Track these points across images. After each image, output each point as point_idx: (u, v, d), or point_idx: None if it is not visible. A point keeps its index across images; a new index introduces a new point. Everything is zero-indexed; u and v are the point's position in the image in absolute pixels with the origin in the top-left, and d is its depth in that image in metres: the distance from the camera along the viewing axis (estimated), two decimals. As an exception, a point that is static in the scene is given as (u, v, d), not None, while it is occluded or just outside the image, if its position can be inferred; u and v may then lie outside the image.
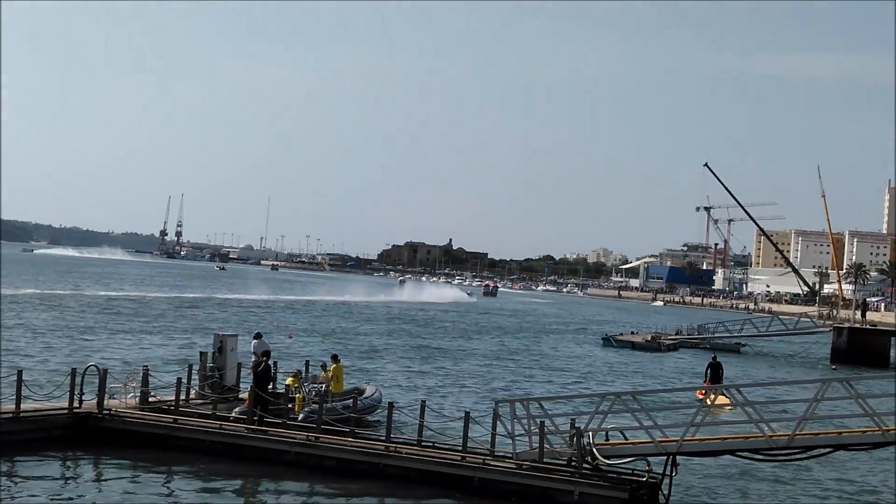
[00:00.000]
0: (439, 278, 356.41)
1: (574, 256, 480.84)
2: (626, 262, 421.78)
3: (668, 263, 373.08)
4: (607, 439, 26.38)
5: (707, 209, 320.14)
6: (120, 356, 51.33)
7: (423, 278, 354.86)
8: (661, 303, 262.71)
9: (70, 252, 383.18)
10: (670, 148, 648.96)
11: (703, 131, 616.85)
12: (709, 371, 51.18)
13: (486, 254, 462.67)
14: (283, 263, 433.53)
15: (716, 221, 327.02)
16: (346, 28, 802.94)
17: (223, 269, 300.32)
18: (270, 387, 32.26)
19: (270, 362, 33.07)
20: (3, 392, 30.52)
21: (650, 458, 25.74)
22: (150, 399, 31.36)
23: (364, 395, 35.02)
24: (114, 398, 30.81)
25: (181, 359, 50.12)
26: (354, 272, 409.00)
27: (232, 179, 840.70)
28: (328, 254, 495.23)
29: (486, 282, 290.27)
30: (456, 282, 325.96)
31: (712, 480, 29.83)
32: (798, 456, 25.65)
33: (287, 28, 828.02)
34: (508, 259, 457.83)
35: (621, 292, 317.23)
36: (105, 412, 29.62)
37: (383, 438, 27.79)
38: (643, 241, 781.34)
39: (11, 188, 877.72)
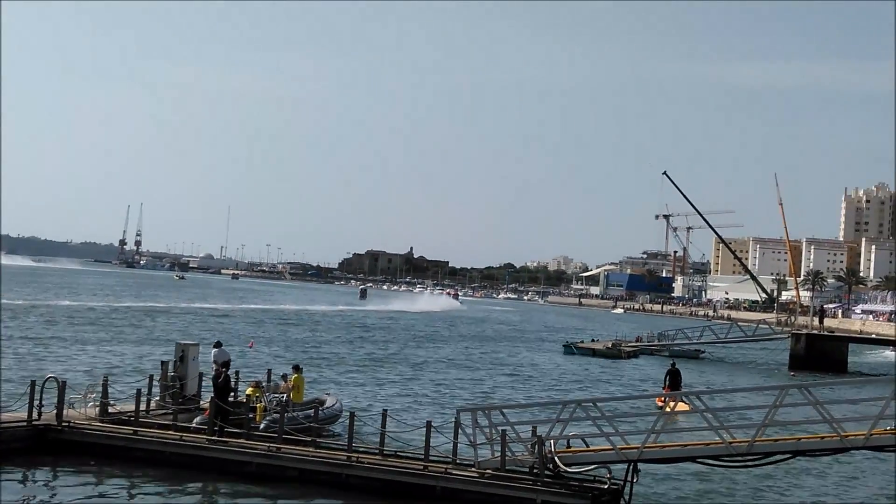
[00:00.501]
0: (400, 287, 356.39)
1: (535, 264, 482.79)
2: (587, 269, 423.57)
3: (628, 271, 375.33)
4: (569, 447, 26.50)
5: (666, 217, 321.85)
6: (79, 367, 50.96)
7: (385, 287, 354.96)
8: (622, 310, 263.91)
9: (27, 262, 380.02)
10: (629, 156, 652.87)
11: (662, 139, 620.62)
12: (668, 378, 51.53)
13: (447, 262, 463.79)
14: (243, 272, 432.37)
15: (675, 229, 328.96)
16: (306, 35, 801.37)
17: (183, 278, 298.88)
18: (231, 397, 32.20)
19: (231, 372, 32.99)
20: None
21: (612, 465, 25.86)
22: (110, 410, 31.13)
23: (325, 406, 34.93)
24: (73, 409, 30.57)
25: (139, 368, 49.85)
26: (315, 281, 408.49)
27: (192, 188, 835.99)
28: (289, 263, 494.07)
29: (447, 290, 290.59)
30: (417, 290, 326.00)
31: (673, 487, 30.00)
32: (758, 462, 25.84)
33: (247, 35, 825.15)
34: (469, 267, 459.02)
35: (582, 300, 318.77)
36: (64, 424, 29.38)
37: (345, 448, 27.75)
38: (603, 249, 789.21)
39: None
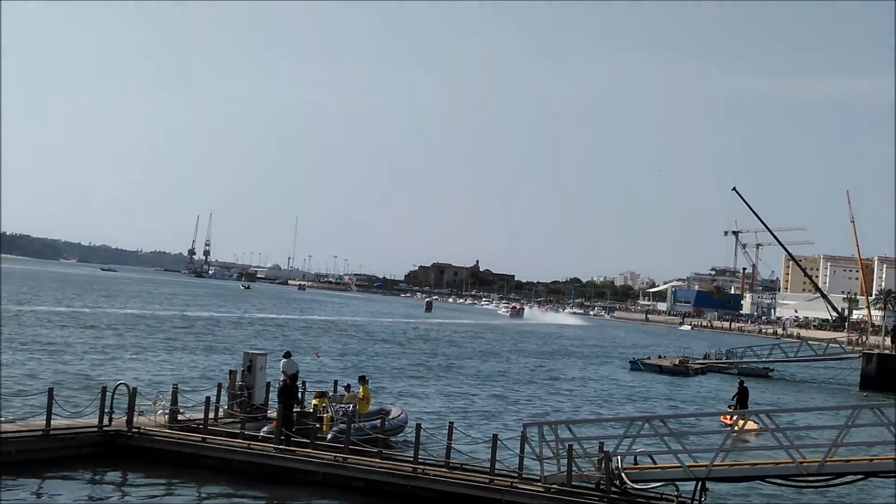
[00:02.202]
0: (466, 300, 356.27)
1: (601, 279, 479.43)
2: (654, 285, 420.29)
3: (696, 287, 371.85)
4: (636, 463, 26.29)
5: (735, 233, 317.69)
6: (149, 374, 51.55)
7: (451, 300, 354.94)
8: (689, 327, 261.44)
9: (96, 270, 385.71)
10: (699, 171, 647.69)
11: (732, 155, 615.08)
12: (736, 396, 51.01)
13: (513, 276, 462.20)
14: (310, 283, 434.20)
15: (744, 246, 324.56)
16: (373, 47, 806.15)
17: (248, 287, 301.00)
18: (298, 406, 32.37)
19: (298, 382, 33.18)
20: (34, 409, 30.79)
21: (679, 483, 25.62)
22: (179, 417, 31.48)
23: (390, 417, 34.98)
24: (143, 416, 30.96)
25: (206, 377, 50.30)
26: (381, 293, 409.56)
27: (260, 199, 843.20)
28: (355, 274, 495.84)
29: (513, 303, 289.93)
30: (483, 303, 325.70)
31: (741, 506, 29.66)
32: (829, 483, 25.47)
33: (314, 47, 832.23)
34: (535, 281, 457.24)
35: (648, 316, 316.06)
36: (134, 430, 29.75)
37: (411, 460, 27.78)
38: (671, 265, 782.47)
39: (41, 207, 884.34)
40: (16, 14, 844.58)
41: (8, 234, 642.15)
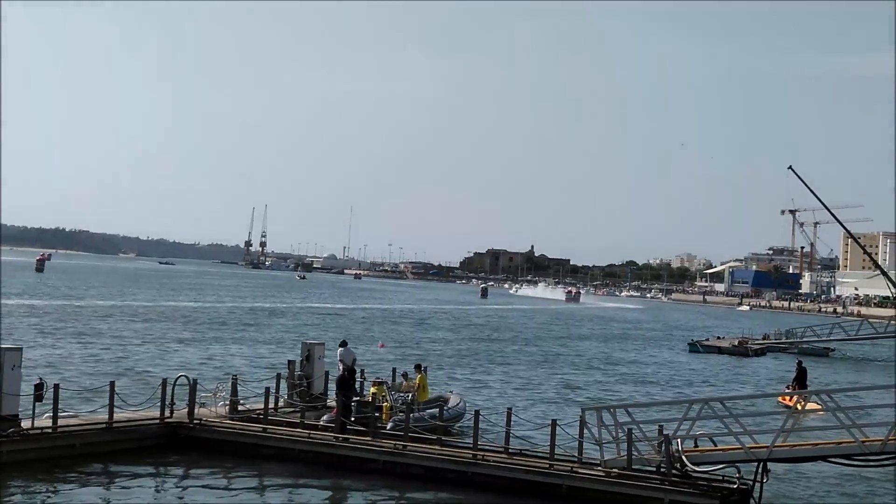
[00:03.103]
0: (521, 285, 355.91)
1: (657, 261, 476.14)
2: (711, 266, 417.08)
3: (754, 267, 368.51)
4: (696, 446, 26.16)
5: (792, 212, 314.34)
6: (209, 366, 52.02)
7: (506, 285, 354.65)
8: (747, 307, 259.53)
9: (154, 264, 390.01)
10: (754, 150, 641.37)
11: (788, 133, 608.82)
12: (795, 376, 50.62)
13: (569, 260, 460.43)
14: (366, 272, 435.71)
15: (801, 224, 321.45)
16: (419, 34, 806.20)
17: (304, 278, 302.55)
18: (356, 395, 32.52)
19: (357, 370, 33.35)
20: (97, 403, 31.21)
21: (740, 465, 25.46)
22: (240, 408, 31.77)
23: (449, 404, 35.03)
24: (204, 407, 31.26)
25: (264, 367, 50.65)
26: (437, 280, 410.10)
27: (315, 190, 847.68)
28: (411, 262, 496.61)
29: (569, 288, 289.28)
30: (538, 287, 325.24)
31: (803, 487, 29.43)
32: (892, 461, 25.18)
33: (363, 37, 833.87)
34: (591, 265, 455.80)
35: (706, 297, 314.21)
36: (196, 422, 30.07)
37: (470, 446, 27.83)
38: (727, 246, 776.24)
39: (98, 201, 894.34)
40: (79, 11, 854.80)
41: (67, 230, 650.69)
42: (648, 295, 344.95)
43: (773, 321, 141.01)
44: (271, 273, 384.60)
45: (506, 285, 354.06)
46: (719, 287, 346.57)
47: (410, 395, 33.39)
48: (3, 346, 27.33)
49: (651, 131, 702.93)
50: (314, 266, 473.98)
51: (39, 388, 27.20)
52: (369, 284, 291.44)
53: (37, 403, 27.05)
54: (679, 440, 25.47)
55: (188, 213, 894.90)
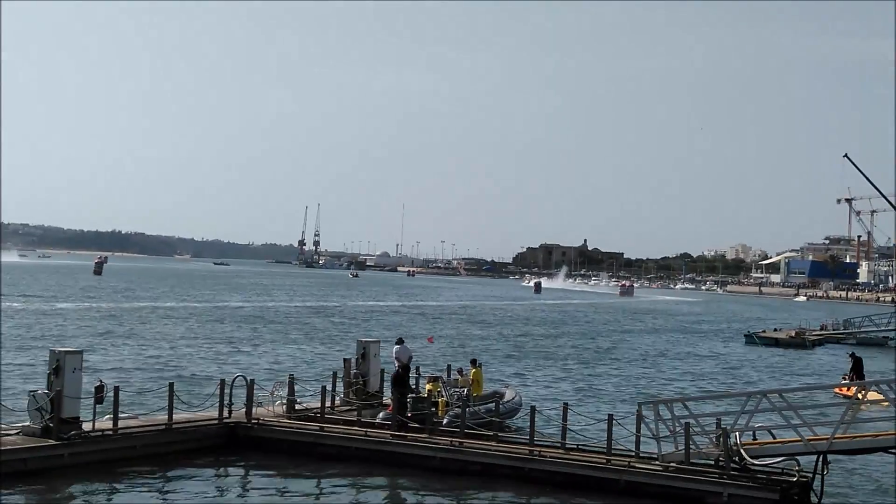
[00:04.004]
0: (575, 279, 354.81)
1: (712, 253, 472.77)
2: (766, 257, 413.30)
3: (810, 258, 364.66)
4: (755, 439, 25.96)
5: (848, 200, 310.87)
6: (265, 365, 52.36)
7: (559, 280, 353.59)
8: (804, 298, 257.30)
9: (209, 265, 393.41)
10: (808, 139, 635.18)
11: (843, 120, 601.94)
12: (851, 367, 50.14)
13: (622, 253, 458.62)
14: (419, 269, 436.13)
15: (858, 213, 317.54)
16: (469, 31, 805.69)
17: (357, 276, 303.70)
18: (412, 392, 32.58)
19: (412, 367, 33.43)
20: (155, 404, 31.53)
21: (800, 458, 25.25)
22: (297, 407, 31.94)
23: (505, 399, 35.00)
24: (261, 407, 31.46)
25: (322, 366, 50.89)
26: (490, 276, 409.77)
27: (367, 188, 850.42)
28: (463, 258, 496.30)
29: (623, 281, 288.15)
30: (592, 282, 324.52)
31: (865, 479, 29.11)
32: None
33: (411, 34, 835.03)
34: (645, 258, 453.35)
35: (762, 288, 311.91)
36: (254, 421, 30.27)
37: (527, 442, 27.81)
38: (783, 236, 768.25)
39: (155, 204, 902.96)
40: (132, 9, 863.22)
41: (123, 232, 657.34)
42: (703, 287, 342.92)
43: (831, 311, 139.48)
44: (325, 272, 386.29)
45: (526, 279, 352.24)
46: (775, 278, 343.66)
47: (466, 390, 33.40)
48: (63, 349, 27.60)
49: (704, 121, 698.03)
50: (367, 264, 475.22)
51: (99, 390, 27.46)
52: (422, 281, 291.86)
53: (97, 406, 27.32)
54: (737, 433, 25.30)
55: (242, 214, 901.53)
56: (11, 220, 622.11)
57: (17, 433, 26.28)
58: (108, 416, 27.66)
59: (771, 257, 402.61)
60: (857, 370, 49.39)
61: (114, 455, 27.05)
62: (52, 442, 25.80)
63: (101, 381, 28.65)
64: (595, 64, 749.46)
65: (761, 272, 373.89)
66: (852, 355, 51.64)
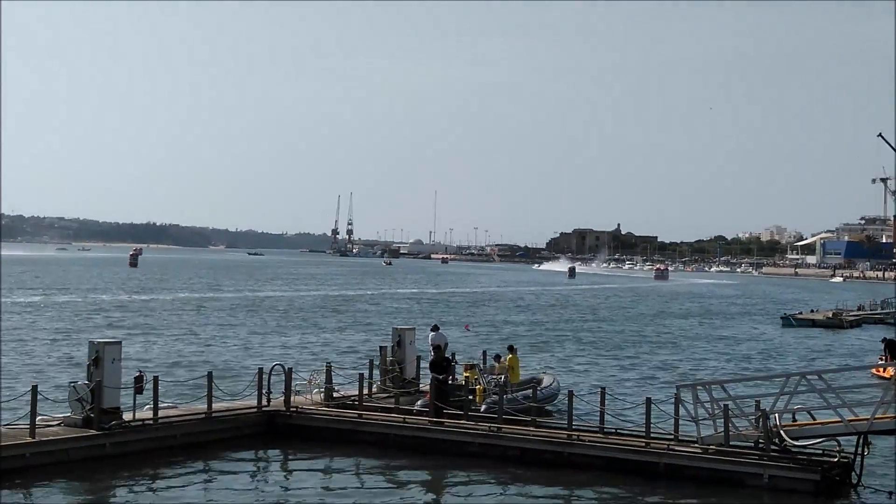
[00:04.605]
0: (609, 264, 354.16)
1: (746, 235, 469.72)
2: (802, 238, 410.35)
3: (846, 238, 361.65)
4: (794, 420, 25.82)
5: (883, 180, 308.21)
6: (301, 354, 52.56)
7: (593, 265, 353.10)
8: (841, 279, 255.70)
9: (246, 255, 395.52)
10: (842, 119, 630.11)
11: (877, 99, 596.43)
12: (886, 348, 49.68)
13: (656, 237, 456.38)
14: (452, 256, 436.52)
15: (893, 192, 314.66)
16: (499, 21, 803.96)
17: (390, 264, 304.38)
18: (450, 379, 32.59)
19: (448, 354, 33.42)
20: (194, 394, 31.75)
21: (840, 438, 25.12)
22: (335, 395, 32.05)
23: (542, 385, 34.98)
24: (299, 395, 31.57)
25: (358, 353, 51.03)
26: (524, 262, 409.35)
27: (399, 176, 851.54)
28: (497, 245, 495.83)
29: (658, 265, 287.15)
30: (626, 266, 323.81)
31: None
32: None
33: (440, 24, 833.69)
34: (679, 241, 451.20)
35: (798, 270, 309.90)
36: (292, 409, 30.39)
37: (565, 427, 27.78)
38: (818, 217, 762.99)
39: (189, 196, 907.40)
40: (163, 16, 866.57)
41: (158, 224, 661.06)
42: (738, 269, 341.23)
43: (868, 292, 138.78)
44: (359, 260, 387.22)
45: (593, 265, 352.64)
46: (811, 259, 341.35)
47: (503, 376, 33.39)
48: (102, 340, 27.79)
49: (735, 103, 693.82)
50: (401, 252, 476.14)
51: (139, 380, 27.67)
52: (456, 268, 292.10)
53: (137, 396, 27.52)
54: (776, 415, 25.18)
55: (276, 204, 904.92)
56: (47, 214, 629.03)
57: (58, 424, 26.54)
58: (147, 405, 27.87)
59: (806, 238, 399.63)
60: (892, 351, 48.89)
61: (154, 444, 27.25)
62: (93, 432, 26.02)
63: (140, 372, 28.89)
64: (627, 48, 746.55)
65: (797, 253, 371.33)
66: (883, 340, 51.15)
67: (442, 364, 31.30)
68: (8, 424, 26.47)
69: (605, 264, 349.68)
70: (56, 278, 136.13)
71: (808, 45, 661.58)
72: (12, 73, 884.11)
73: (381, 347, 36.11)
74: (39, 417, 25.77)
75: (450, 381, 31.88)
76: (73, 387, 26.76)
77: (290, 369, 31.30)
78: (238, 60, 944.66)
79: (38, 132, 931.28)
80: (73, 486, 23.94)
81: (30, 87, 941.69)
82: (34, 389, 25.51)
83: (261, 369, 31.20)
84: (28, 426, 25.18)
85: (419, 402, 31.51)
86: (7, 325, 62.81)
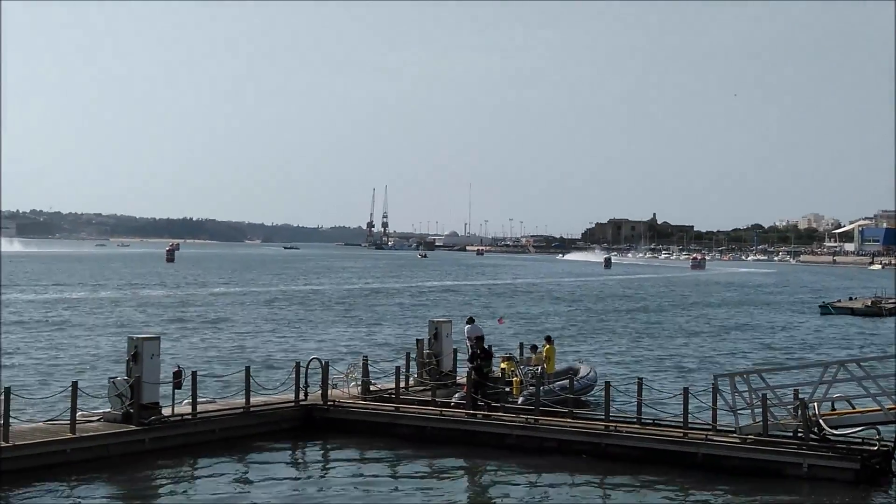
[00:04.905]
0: (644, 254, 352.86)
1: (784, 223, 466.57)
2: (839, 226, 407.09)
3: (884, 225, 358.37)
4: (833, 409, 25.67)
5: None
6: (337, 347, 52.70)
7: (629, 255, 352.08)
8: (880, 266, 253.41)
9: (282, 249, 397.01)
10: (880, 104, 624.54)
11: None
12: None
13: (692, 226, 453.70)
14: (488, 248, 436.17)
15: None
16: (533, 11, 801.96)
17: (425, 256, 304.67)
18: (487, 371, 32.56)
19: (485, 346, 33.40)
20: (231, 388, 31.88)
21: (880, 426, 24.94)
22: (372, 388, 32.12)
23: (579, 375, 34.91)
24: (336, 389, 31.68)
25: (394, 346, 51.11)
26: (559, 252, 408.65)
27: (432, 169, 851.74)
28: (532, 236, 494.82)
29: (693, 254, 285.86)
30: (662, 256, 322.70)
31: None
32: None
33: (475, 15, 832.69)
34: (715, 230, 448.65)
35: (836, 258, 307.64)
36: (329, 403, 30.50)
37: (602, 418, 27.73)
38: (855, 204, 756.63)
39: (225, 191, 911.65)
40: (201, 11, 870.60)
41: (194, 219, 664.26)
42: (776, 258, 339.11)
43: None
44: (394, 253, 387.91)
45: (628, 254, 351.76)
46: (849, 247, 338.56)
47: (539, 368, 33.34)
48: (141, 335, 27.98)
49: (771, 89, 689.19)
50: (436, 244, 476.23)
51: (178, 375, 27.84)
52: (491, 260, 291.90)
53: (176, 391, 27.70)
54: (815, 404, 25.04)
55: (311, 198, 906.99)
56: (85, 211, 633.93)
57: (98, 419, 26.79)
58: (186, 400, 28.04)
59: (844, 226, 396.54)
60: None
61: (193, 439, 27.46)
62: (133, 427, 26.25)
63: (178, 367, 29.05)
64: (662, 35, 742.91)
65: (834, 241, 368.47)
66: None
67: (477, 354, 31.03)
68: (49, 420, 26.76)
69: (640, 254, 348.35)
70: (94, 274, 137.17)
71: (847, 27, 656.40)
72: (49, 69, 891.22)
73: (417, 340, 36.16)
74: (79, 413, 26.00)
75: (484, 371, 31.79)
76: (113, 382, 26.99)
77: (327, 363, 31.41)
78: (276, 55, 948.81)
79: (76, 129, 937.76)
80: (113, 481, 24.15)
81: (66, 84, 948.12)
82: (74, 385, 25.77)
83: (298, 363, 31.33)
84: (68, 422, 25.43)
85: (456, 395, 31.54)
86: (49, 321, 63.52)
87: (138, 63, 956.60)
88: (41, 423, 26.49)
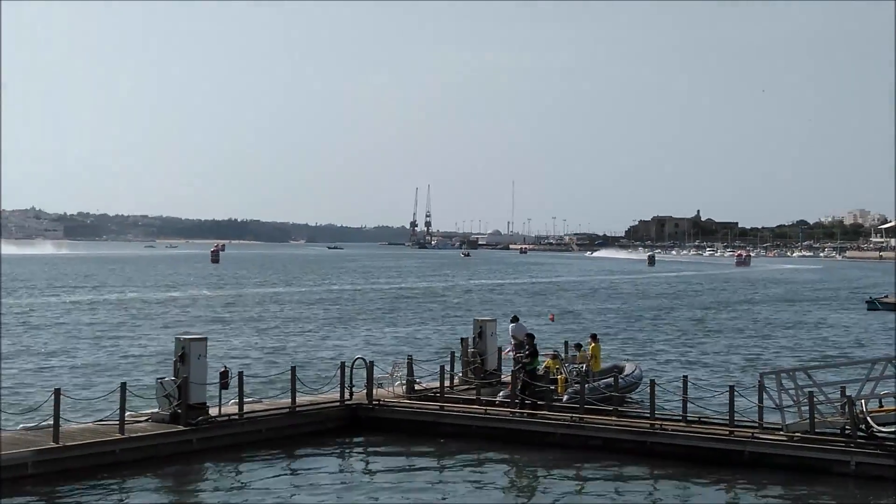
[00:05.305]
0: (689, 251, 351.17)
1: (829, 219, 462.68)
2: (886, 221, 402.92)
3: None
4: (881, 406, 25.48)
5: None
6: (381, 346, 52.83)
7: (673, 252, 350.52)
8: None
9: (326, 249, 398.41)
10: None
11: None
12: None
13: (737, 223, 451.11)
14: (531, 246, 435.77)
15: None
16: (574, 7, 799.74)
17: (468, 255, 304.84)
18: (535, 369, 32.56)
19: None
20: (277, 388, 32.03)
21: (929, 423, 24.74)
22: (416, 387, 32.22)
23: (624, 373, 34.83)
24: (381, 388, 31.80)
25: (439, 345, 51.19)
26: (603, 250, 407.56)
27: (475, 167, 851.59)
28: (575, 234, 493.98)
29: (738, 251, 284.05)
30: (707, 253, 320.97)
31: None
32: None
33: (514, 12, 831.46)
34: (760, 227, 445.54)
35: (882, 253, 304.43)
36: (375, 402, 30.62)
37: (647, 416, 27.68)
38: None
39: (269, 192, 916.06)
40: (244, 11, 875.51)
41: (239, 220, 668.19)
42: (821, 254, 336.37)
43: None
44: (438, 252, 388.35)
45: (673, 252, 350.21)
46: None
47: (584, 366, 33.29)
48: (188, 336, 28.22)
49: (814, 84, 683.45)
50: (479, 243, 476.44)
51: (224, 375, 28.05)
52: (535, 258, 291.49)
53: (223, 391, 27.93)
54: (863, 401, 24.86)
55: (355, 198, 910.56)
56: (131, 213, 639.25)
57: (146, 420, 27.07)
58: (233, 400, 28.25)
59: (890, 221, 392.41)
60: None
61: (240, 439, 27.65)
62: (180, 428, 26.50)
63: (225, 367, 29.26)
64: (705, 33, 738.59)
65: (881, 237, 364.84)
66: None
67: (528, 355, 30.88)
68: (98, 421, 27.06)
69: (685, 251, 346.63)
70: (145, 275, 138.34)
71: (885, 20, 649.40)
72: (97, 70, 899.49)
73: (462, 339, 36.25)
74: (128, 414, 26.27)
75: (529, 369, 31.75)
76: (161, 383, 27.25)
77: (372, 363, 31.53)
78: (320, 55, 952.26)
79: (123, 132, 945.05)
80: (161, 481, 24.38)
81: (111, 86, 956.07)
82: (123, 386, 26.02)
83: (343, 363, 31.46)
84: (117, 422, 25.71)
85: (501, 394, 31.57)
86: (96, 323, 64.17)
87: (187, 65, 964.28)
88: (90, 424, 26.77)
